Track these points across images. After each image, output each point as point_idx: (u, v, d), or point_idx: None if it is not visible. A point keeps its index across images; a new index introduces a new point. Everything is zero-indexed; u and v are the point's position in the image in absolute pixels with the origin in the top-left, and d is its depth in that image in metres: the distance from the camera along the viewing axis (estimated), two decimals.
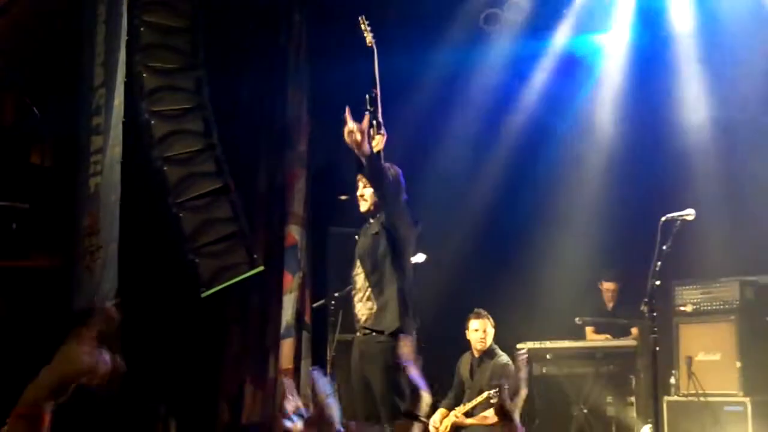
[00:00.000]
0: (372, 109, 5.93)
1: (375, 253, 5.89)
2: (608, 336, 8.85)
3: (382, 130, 6.01)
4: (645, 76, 9.10)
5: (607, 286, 9.11)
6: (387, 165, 6.02)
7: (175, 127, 7.86)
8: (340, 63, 8.59)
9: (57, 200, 8.41)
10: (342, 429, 3.04)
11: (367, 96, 5.95)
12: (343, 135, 5.57)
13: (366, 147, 5.50)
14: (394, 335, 5.72)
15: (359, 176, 6.10)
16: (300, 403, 3.08)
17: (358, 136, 5.47)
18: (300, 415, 3.10)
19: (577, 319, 8.90)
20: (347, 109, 5.57)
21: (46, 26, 8.37)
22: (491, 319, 7.80)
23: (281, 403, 2.96)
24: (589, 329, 9.03)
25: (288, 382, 3.16)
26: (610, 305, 9.11)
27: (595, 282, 9.21)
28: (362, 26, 6.19)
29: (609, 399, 8.42)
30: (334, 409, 3.06)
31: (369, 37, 6.14)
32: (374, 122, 5.88)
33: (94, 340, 2.25)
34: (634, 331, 8.73)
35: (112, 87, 7.89)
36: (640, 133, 9.11)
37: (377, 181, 5.75)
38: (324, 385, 3.11)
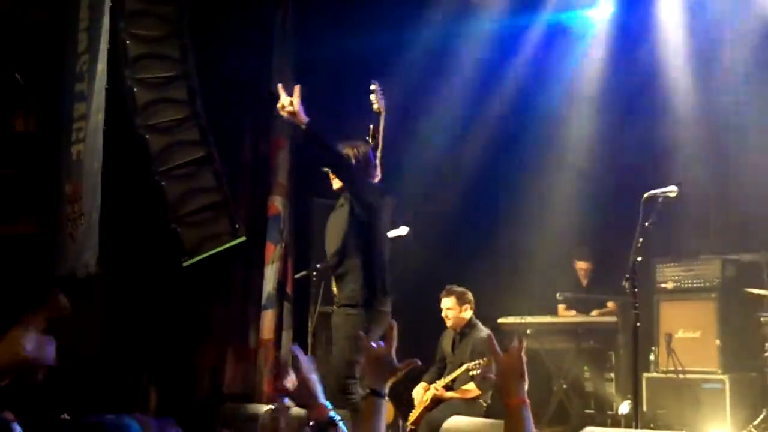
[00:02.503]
0: (373, 142, 6.17)
1: (339, 226, 5.96)
2: (582, 312, 8.87)
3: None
4: (630, 51, 9.07)
5: (581, 265, 9.11)
6: (357, 143, 6.10)
7: (159, 95, 7.83)
8: (326, 33, 8.56)
9: (40, 167, 8.39)
10: (329, 404, 3.02)
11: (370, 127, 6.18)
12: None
13: (301, 117, 5.71)
14: (357, 307, 5.79)
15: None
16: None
17: (290, 108, 5.69)
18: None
19: (558, 294, 8.93)
20: (279, 87, 5.73)
21: None
22: (464, 296, 7.76)
23: (280, 380, 2.96)
24: (561, 307, 9.04)
25: (284, 358, 3.17)
26: (585, 282, 9.12)
27: (570, 260, 9.22)
28: (373, 94, 6.13)
29: (589, 375, 8.47)
30: (317, 385, 3.04)
31: (378, 105, 6.12)
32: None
33: (41, 328, 2.21)
34: (611, 304, 8.75)
35: (96, 53, 7.87)
36: (625, 110, 9.08)
37: (315, 150, 6.00)
38: (305, 361, 3.09)
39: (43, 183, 8.34)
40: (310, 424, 3.02)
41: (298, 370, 3.09)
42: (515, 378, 2.81)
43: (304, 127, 5.82)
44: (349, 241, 5.95)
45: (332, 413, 3.03)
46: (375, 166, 6.19)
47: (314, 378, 3.10)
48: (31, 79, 8.48)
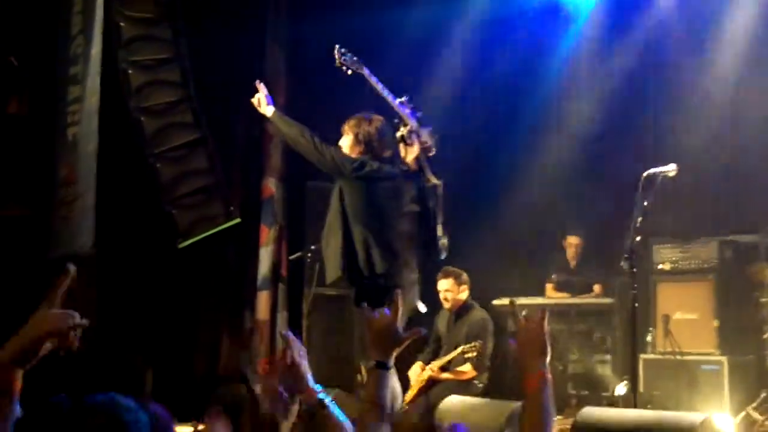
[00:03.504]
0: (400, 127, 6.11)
1: (332, 207, 5.97)
2: (568, 294, 8.83)
3: (424, 136, 6.24)
4: (628, 30, 9.00)
5: (571, 241, 9.05)
6: (366, 119, 6.03)
7: (152, 78, 7.82)
8: (319, 15, 8.51)
9: (34, 150, 8.36)
10: (317, 387, 2.99)
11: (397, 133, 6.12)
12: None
13: (263, 111, 6.07)
14: (344, 287, 5.84)
15: (344, 124, 6.12)
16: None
17: (256, 103, 6.05)
18: None
19: (553, 275, 8.90)
20: (259, 84, 6.08)
21: None
22: (461, 277, 7.74)
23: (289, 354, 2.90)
24: (549, 286, 9.00)
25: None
26: (573, 263, 9.06)
27: (560, 239, 9.17)
28: (338, 60, 6.03)
29: (584, 356, 8.44)
30: (306, 369, 3.00)
31: (351, 68, 6.05)
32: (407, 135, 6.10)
33: (61, 300, 2.23)
34: (597, 288, 8.72)
35: (90, 36, 7.85)
36: (622, 90, 9.02)
37: (285, 138, 6.27)
38: (297, 345, 3.05)
39: (37, 166, 8.31)
40: (303, 408, 2.98)
41: (289, 354, 3.03)
42: (535, 351, 2.71)
43: (269, 117, 6.07)
44: (335, 222, 5.93)
45: (321, 395, 2.98)
46: (388, 142, 6.11)
47: (304, 363, 3.05)
48: (26, 61, 8.44)
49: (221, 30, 8.36)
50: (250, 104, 6.10)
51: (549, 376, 2.71)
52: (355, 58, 6.02)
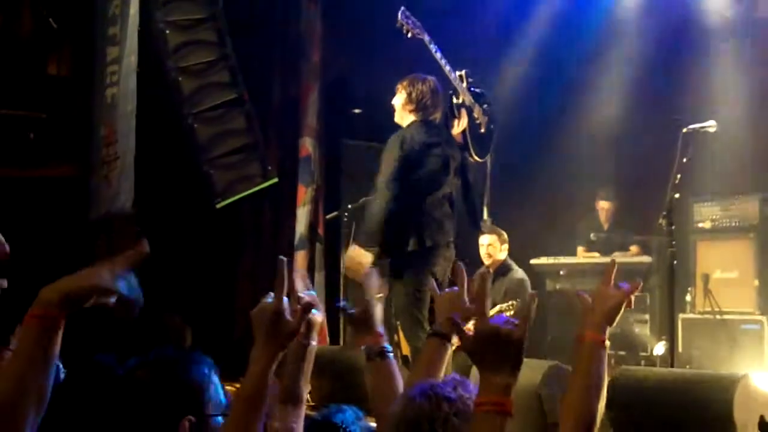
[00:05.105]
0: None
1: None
2: (599, 255, 8.77)
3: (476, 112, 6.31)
4: None
5: (603, 205, 8.95)
6: (419, 79, 6.03)
7: (190, 38, 7.84)
8: None
9: (74, 110, 8.43)
10: (382, 331, 2.98)
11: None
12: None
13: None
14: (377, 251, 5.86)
15: (398, 84, 6.11)
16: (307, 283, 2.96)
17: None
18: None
19: (592, 234, 8.83)
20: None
21: None
22: (503, 235, 7.71)
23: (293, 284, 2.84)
24: (580, 249, 8.93)
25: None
26: (606, 226, 8.98)
27: (592, 201, 9.10)
28: (399, 20, 5.98)
29: (622, 316, 8.34)
30: (378, 311, 2.99)
31: (411, 32, 6.02)
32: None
33: (123, 266, 2.24)
34: (634, 248, 8.64)
35: None
36: (661, 46, 8.86)
37: None
38: (374, 285, 3.03)
39: (77, 126, 8.38)
40: (362, 348, 2.98)
41: (366, 290, 3.03)
42: (601, 314, 2.60)
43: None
44: (376, 185, 5.96)
45: (386, 344, 2.98)
46: (439, 103, 6.11)
47: (377, 304, 3.04)
48: (65, 23, 8.49)
49: None
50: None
51: (608, 343, 2.60)
52: (418, 23, 6.02)
